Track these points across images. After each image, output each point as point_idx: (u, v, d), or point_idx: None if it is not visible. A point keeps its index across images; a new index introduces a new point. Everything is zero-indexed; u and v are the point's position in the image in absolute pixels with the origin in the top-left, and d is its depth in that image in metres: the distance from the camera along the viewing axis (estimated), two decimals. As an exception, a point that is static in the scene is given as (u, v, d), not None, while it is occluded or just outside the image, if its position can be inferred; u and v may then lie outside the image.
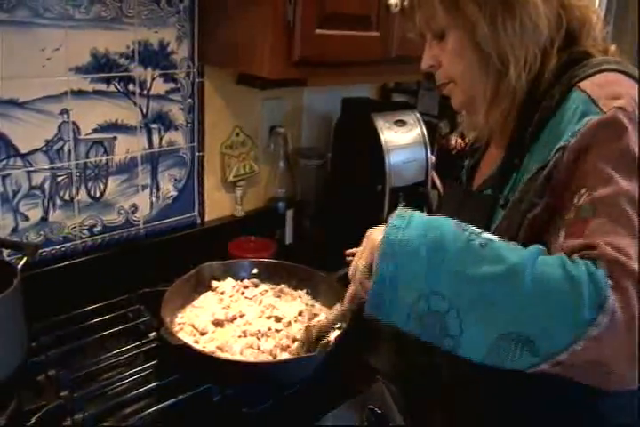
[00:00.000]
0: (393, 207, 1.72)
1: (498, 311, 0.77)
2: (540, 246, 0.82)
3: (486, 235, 0.83)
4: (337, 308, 1.11)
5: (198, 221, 1.81)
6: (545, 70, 0.96)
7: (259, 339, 1.26)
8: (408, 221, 0.85)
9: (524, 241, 0.87)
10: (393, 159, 1.75)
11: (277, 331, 1.30)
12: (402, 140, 1.79)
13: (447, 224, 0.84)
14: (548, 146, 0.91)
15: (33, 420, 1.06)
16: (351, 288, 1.02)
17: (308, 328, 1.17)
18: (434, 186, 1.98)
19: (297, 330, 1.30)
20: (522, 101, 0.98)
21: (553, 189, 0.88)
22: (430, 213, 1.73)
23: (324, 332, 1.14)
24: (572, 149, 0.86)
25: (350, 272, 0.99)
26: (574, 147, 0.85)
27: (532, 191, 0.90)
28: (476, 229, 0.84)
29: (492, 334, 0.77)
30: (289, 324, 1.33)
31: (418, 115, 1.88)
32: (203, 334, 1.26)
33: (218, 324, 1.31)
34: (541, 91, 0.96)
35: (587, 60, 0.96)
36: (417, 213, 0.88)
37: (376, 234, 0.93)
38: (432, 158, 1.90)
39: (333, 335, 1.19)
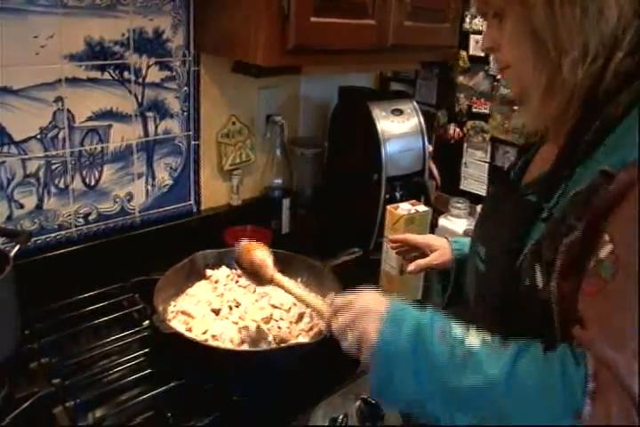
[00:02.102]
0: (389, 197, 1.75)
1: (484, 416, 0.80)
2: (521, 346, 0.82)
3: (469, 342, 0.84)
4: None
5: (194, 209, 1.81)
6: (609, 68, 0.85)
7: (259, 326, 1.26)
8: (399, 330, 0.87)
9: (560, 270, 0.83)
10: (389, 148, 1.74)
11: (277, 319, 1.31)
12: (399, 129, 1.78)
13: (432, 336, 0.86)
14: (601, 163, 0.81)
15: (24, 407, 1.06)
16: (337, 331, 0.99)
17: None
18: (431, 175, 1.98)
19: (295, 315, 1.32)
20: (583, 99, 0.88)
21: (591, 217, 0.79)
22: (428, 202, 1.76)
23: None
24: (620, 182, 0.77)
25: (336, 328, 0.98)
26: (622, 180, 0.77)
27: (573, 212, 0.82)
28: (459, 336, 0.85)
29: None
30: (289, 310, 1.34)
31: (415, 104, 1.87)
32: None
33: (215, 312, 1.31)
34: (605, 92, 0.85)
35: None
36: (408, 316, 0.90)
37: (371, 310, 0.93)
38: (429, 148, 1.89)
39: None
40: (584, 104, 0.88)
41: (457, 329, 0.87)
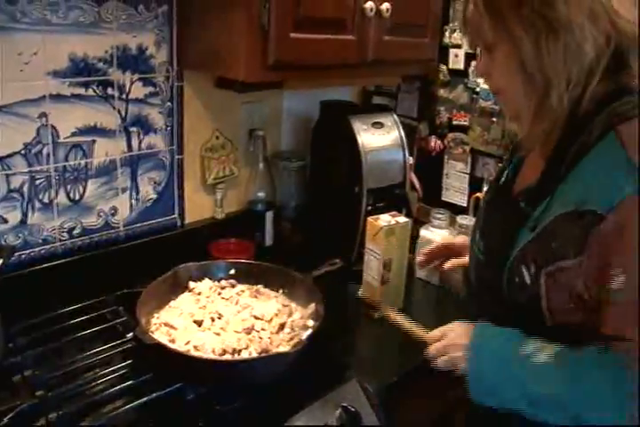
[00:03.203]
0: (371, 208, 1.77)
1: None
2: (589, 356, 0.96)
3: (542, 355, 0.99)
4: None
5: (178, 223, 1.82)
6: (588, 91, 0.96)
7: (238, 339, 1.27)
8: (481, 356, 1.05)
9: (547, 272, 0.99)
10: (370, 161, 1.76)
11: (259, 330, 1.32)
12: (379, 142, 1.80)
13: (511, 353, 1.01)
14: (582, 183, 0.95)
15: (6, 419, 1.07)
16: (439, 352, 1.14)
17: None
18: (413, 187, 2.01)
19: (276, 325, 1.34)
20: (565, 120, 0.99)
21: (591, 251, 0.93)
22: (409, 214, 1.78)
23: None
24: (612, 222, 0.90)
25: (434, 350, 1.15)
26: (614, 220, 0.90)
27: (568, 236, 0.95)
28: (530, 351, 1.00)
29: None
30: (271, 320, 1.36)
31: (395, 117, 1.90)
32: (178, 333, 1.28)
33: (197, 323, 1.33)
34: (582, 115, 0.97)
35: (632, 94, 0.96)
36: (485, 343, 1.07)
37: (462, 340, 1.10)
38: (410, 160, 1.92)
39: (306, 334, 1.20)
40: (566, 124, 0.99)
41: (530, 345, 1.00)
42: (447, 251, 1.48)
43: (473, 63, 1.97)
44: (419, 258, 1.51)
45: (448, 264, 1.45)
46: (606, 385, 0.91)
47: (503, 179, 1.21)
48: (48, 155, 1.48)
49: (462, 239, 1.48)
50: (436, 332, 1.18)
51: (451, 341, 1.12)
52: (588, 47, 0.94)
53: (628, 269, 0.90)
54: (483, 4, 0.99)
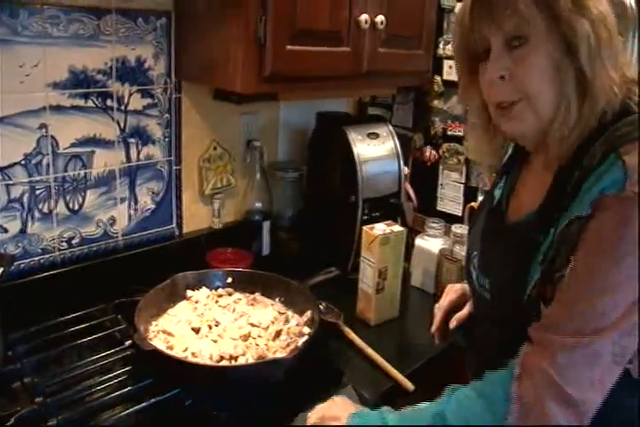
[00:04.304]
0: (367, 218, 1.79)
1: None
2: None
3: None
4: None
5: (176, 233, 1.84)
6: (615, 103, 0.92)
7: (235, 346, 1.29)
8: None
9: None
10: (366, 171, 1.79)
11: (255, 337, 1.34)
12: (375, 152, 1.83)
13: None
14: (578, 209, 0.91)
15: (6, 425, 1.08)
16: None
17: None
18: (408, 197, 2.03)
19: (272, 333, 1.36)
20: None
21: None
22: (405, 224, 1.80)
23: None
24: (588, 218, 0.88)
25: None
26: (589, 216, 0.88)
27: (562, 252, 0.92)
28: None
29: None
30: (267, 328, 1.38)
31: (391, 127, 1.93)
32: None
33: (195, 331, 1.34)
34: (587, 135, 0.93)
35: (631, 114, 0.92)
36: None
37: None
38: (405, 170, 1.94)
39: (301, 341, 1.22)
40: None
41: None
42: (451, 310, 1.37)
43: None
44: (434, 333, 1.38)
45: (454, 323, 1.32)
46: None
47: (496, 199, 1.15)
48: (48, 165, 1.50)
49: (459, 292, 1.39)
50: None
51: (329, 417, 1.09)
52: (622, 59, 0.93)
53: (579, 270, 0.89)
54: None
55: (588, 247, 0.88)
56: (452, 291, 1.39)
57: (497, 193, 1.15)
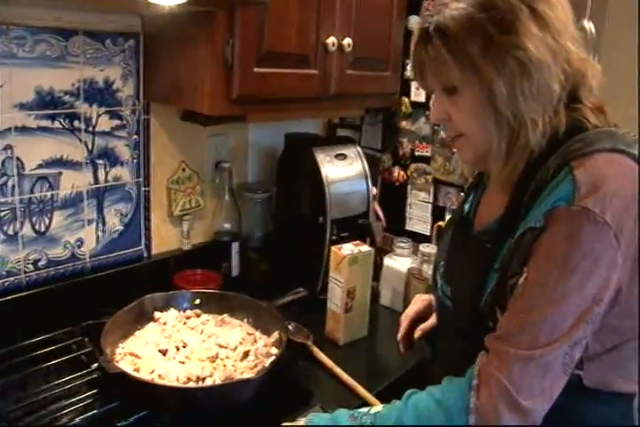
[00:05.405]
0: (335, 238, 1.80)
1: None
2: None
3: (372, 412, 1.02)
4: None
5: (145, 254, 1.83)
6: (551, 128, 0.97)
7: (202, 368, 1.28)
8: None
9: None
10: (334, 192, 1.80)
11: (223, 358, 1.34)
12: (343, 173, 1.84)
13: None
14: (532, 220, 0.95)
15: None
16: None
17: None
18: (377, 217, 2.05)
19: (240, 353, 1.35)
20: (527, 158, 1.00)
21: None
22: (373, 244, 1.81)
23: None
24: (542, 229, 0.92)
25: None
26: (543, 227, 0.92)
27: (515, 260, 0.96)
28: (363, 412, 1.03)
29: None
30: (235, 349, 1.37)
31: (359, 148, 1.94)
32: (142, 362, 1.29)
33: (162, 352, 1.33)
34: (539, 153, 0.98)
35: (584, 131, 0.97)
36: None
37: None
38: (374, 190, 1.96)
39: (269, 361, 1.22)
40: (526, 162, 1.00)
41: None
42: (417, 319, 1.41)
43: (433, 96, 2.02)
44: (400, 342, 1.41)
45: (418, 333, 1.37)
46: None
47: (465, 212, 1.21)
48: (13, 187, 1.49)
49: (425, 302, 1.42)
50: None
51: None
52: (555, 85, 0.95)
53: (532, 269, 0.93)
54: (446, 47, 0.96)
55: (540, 259, 0.92)
56: (420, 300, 1.44)
57: (466, 207, 1.22)
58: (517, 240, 0.96)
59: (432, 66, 1.01)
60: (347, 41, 1.69)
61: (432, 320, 1.36)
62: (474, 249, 1.10)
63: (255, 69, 1.48)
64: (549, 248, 0.90)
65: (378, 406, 1.03)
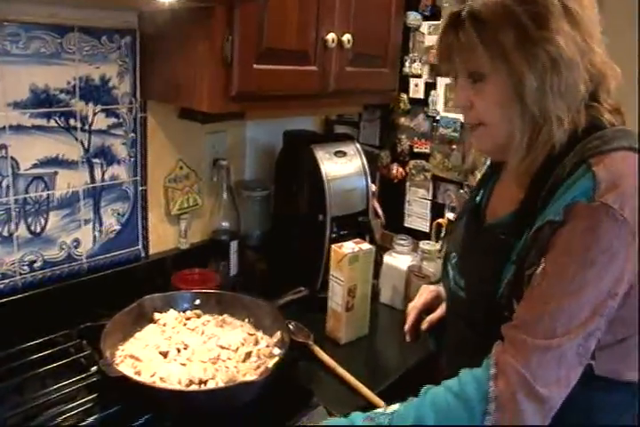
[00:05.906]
0: (335, 236, 1.78)
1: None
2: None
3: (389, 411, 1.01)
4: None
5: (142, 254, 1.81)
6: (574, 124, 0.98)
7: (204, 370, 1.26)
8: None
9: None
10: (333, 189, 1.78)
11: (225, 359, 1.32)
12: (342, 170, 1.82)
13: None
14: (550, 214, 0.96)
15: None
16: None
17: None
18: (376, 214, 2.03)
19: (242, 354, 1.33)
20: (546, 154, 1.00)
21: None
22: (373, 240, 1.80)
23: None
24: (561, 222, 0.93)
25: None
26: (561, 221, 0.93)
27: (533, 251, 0.97)
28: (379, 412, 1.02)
29: None
30: (237, 350, 1.35)
31: (358, 145, 1.92)
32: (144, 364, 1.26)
33: (163, 354, 1.31)
34: (558, 150, 0.98)
35: (601, 129, 0.98)
36: None
37: None
38: (373, 187, 1.94)
39: (272, 362, 1.20)
40: (544, 158, 1.00)
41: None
42: (424, 310, 1.42)
43: (433, 92, 2.01)
44: (407, 333, 1.41)
45: (425, 324, 1.38)
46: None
47: (476, 204, 1.22)
48: (8, 187, 1.46)
49: (433, 293, 1.43)
50: None
51: None
52: (581, 85, 0.96)
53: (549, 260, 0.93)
54: (477, 33, 0.96)
55: (559, 251, 0.93)
56: (427, 291, 1.44)
57: (477, 199, 1.24)
58: (535, 233, 0.96)
59: (461, 51, 1.01)
60: (346, 37, 1.66)
61: (439, 312, 1.38)
62: (488, 241, 1.11)
63: (255, 66, 1.46)
64: (568, 241, 0.92)
65: (394, 405, 1.01)
